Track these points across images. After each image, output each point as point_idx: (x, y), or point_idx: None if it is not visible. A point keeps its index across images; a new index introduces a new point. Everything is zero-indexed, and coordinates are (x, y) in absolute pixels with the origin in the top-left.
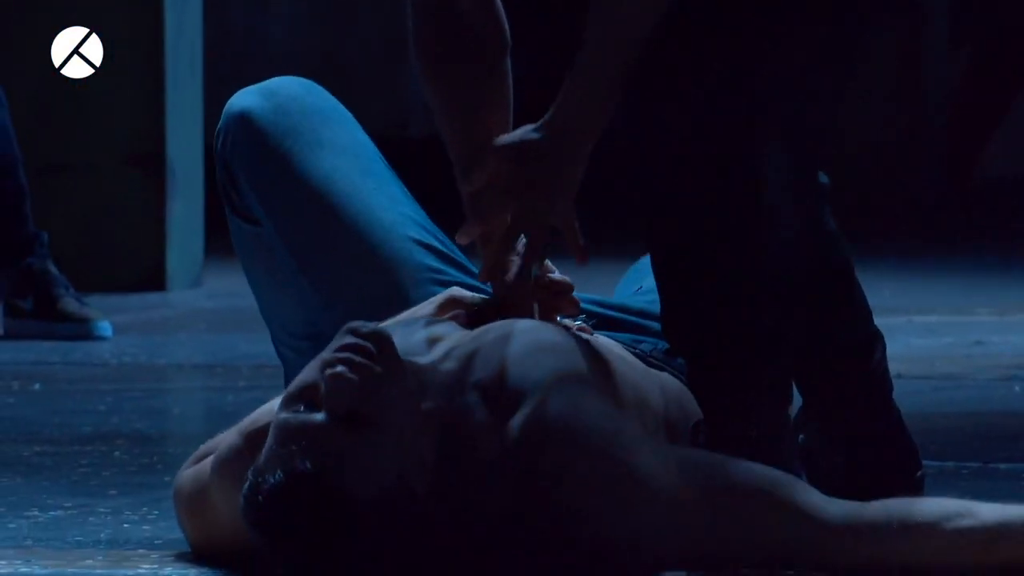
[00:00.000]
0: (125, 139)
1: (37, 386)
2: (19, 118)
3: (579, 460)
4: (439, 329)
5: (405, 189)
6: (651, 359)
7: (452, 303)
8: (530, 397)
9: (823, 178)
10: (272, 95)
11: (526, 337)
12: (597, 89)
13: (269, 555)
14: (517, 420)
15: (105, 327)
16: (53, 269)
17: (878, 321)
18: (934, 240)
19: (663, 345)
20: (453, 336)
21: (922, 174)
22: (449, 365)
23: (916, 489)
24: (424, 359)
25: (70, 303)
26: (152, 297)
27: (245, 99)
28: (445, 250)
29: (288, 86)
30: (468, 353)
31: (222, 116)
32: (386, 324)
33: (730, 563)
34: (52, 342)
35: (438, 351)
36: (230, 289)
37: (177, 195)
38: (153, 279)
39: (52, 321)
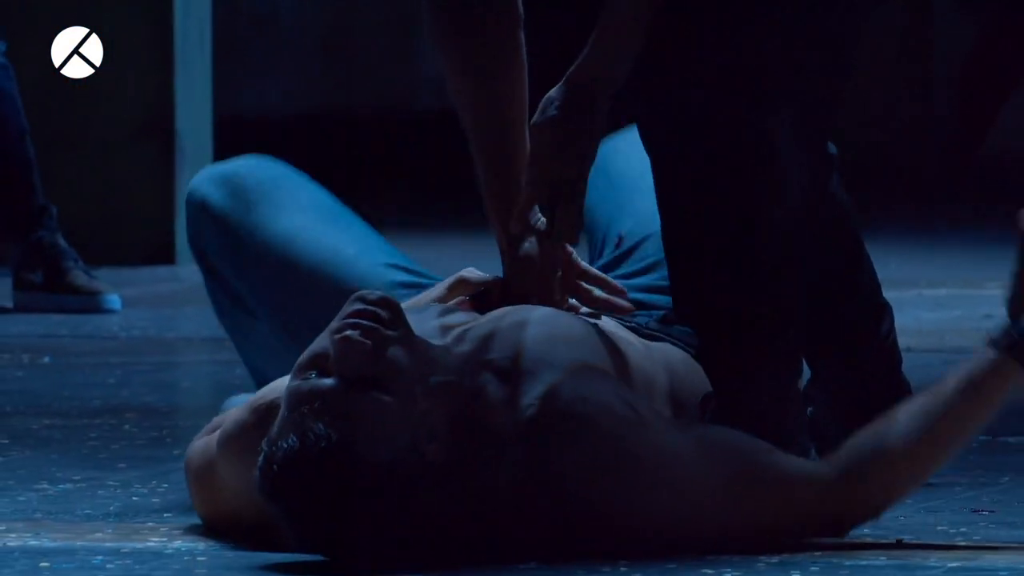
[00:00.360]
0: (134, 113)
1: (46, 359)
2: (28, 90)
3: (588, 440)
4: (452, 318)
5: (371, 228)
6: (647, 331)
7: (461, 284)
8: (544, 379)
9: (831, 148)
10: (225, 181)
11: (542, 325)
12: (616, 43)
13: (285, 529)
14: (530, 399)
15: (114, 300)
16: (62, 242)
17: (887, 294)
18: (944, 212)
19: (657, 314)
20: (467, 323)
21: (930, 146)
22: (463, 347)
23: None
24: (438, 342)
25: (79, 276)
26: (161, 270)
27: (202, 188)
28: (416, 268)
29: (240, 167)
30: (484, 335)
31: (186, 206)
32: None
33: (741, 540)
34: (61, 315)
35: (452, 335)
36: None
37: (186, 169)
38: (162, 252)
39: (61, 294)
